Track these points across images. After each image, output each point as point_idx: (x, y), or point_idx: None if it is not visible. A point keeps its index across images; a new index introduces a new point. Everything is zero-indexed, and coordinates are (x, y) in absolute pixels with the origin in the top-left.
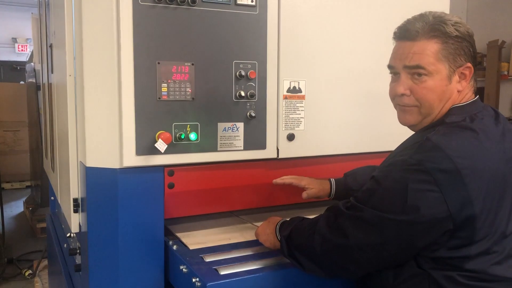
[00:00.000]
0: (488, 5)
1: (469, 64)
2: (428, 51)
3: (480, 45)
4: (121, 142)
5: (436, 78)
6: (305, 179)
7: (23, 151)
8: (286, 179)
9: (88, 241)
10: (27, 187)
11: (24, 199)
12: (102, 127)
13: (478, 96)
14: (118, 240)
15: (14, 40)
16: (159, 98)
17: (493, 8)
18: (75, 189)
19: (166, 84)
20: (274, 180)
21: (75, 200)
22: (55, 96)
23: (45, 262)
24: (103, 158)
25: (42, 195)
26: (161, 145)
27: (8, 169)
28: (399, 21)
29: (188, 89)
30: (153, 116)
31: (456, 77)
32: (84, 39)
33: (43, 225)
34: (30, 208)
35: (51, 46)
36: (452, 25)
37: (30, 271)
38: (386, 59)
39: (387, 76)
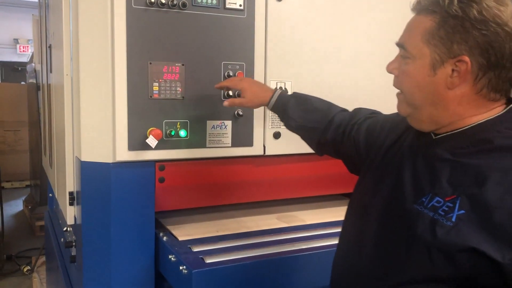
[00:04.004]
0: None
1: (464, 57)
2: (418, 29)
3: None
4: (114, 137)
5: (417, 63)
6: (244, 82)
7: (23, 151)
8: (224, 82)
9: (82, 232)
10: (27, 186)
11: (23, 198)
12: (96, 123)
13: None
14: (110, 231)
15: (16, 41)
16: (151, 97)
17: None
18: (71, 183)
19: (157, 83)
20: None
21: (71, 193)
22: (53, 95)
23: (42, 259)
24: (97, 153)
25: (41, 194)
26: (152, 141)
27: (9, 168)
28: (384, 26)
29: (178, 88)
30: (144, 113)
31: (446, 70)
32: (80, 40)
33: (42, 223)
34: (29, 207)
35: (50, 46)
36: (462, 2)
37: (28, 267)
38: (370, 62)
39: (371, 81)
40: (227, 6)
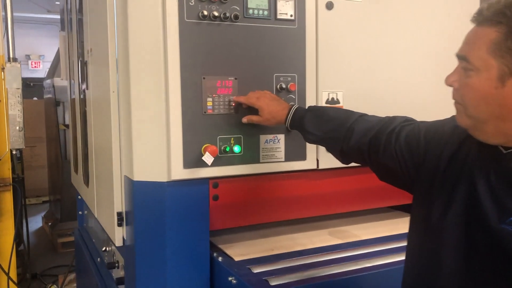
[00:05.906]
0: None
1: None
2: (483, 40)
3: None
4: (169, 156)
5: (482, 76)
6: (262, 100)
7: (40, 167)
8: (241, 98)
9: (135, 254)
10: (44, 202)
11: (42, 214)
12: (149, 142)
13: None
14: (165, 252)
15: (28, 57)
16: (205, 112)
17: None
18: (119, 203)
19: (211, 99)
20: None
21: (119, 214)
22: (91, 112)
23: (70, 277)
24: (150, 172)
25: (62, 210)
26: (208, 158)
27: (25, 184)
28: (436, 32)
29: (232, 103)
30: (199, 130)
31: None
32: (130, 56)
33: (64, 240)
34: (50, 223)
35: (86, 63)
36: None
37: (55, 286)
38: (423, 69)
39: (423, 88)
40: (278, 16)
